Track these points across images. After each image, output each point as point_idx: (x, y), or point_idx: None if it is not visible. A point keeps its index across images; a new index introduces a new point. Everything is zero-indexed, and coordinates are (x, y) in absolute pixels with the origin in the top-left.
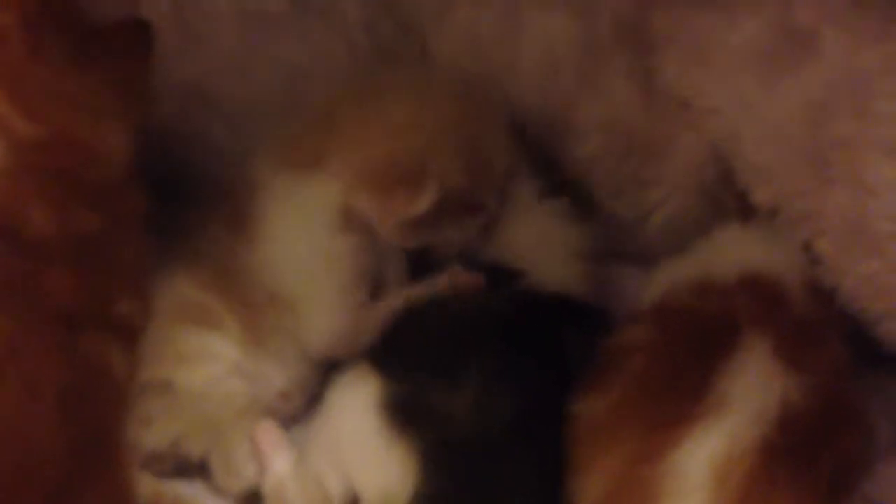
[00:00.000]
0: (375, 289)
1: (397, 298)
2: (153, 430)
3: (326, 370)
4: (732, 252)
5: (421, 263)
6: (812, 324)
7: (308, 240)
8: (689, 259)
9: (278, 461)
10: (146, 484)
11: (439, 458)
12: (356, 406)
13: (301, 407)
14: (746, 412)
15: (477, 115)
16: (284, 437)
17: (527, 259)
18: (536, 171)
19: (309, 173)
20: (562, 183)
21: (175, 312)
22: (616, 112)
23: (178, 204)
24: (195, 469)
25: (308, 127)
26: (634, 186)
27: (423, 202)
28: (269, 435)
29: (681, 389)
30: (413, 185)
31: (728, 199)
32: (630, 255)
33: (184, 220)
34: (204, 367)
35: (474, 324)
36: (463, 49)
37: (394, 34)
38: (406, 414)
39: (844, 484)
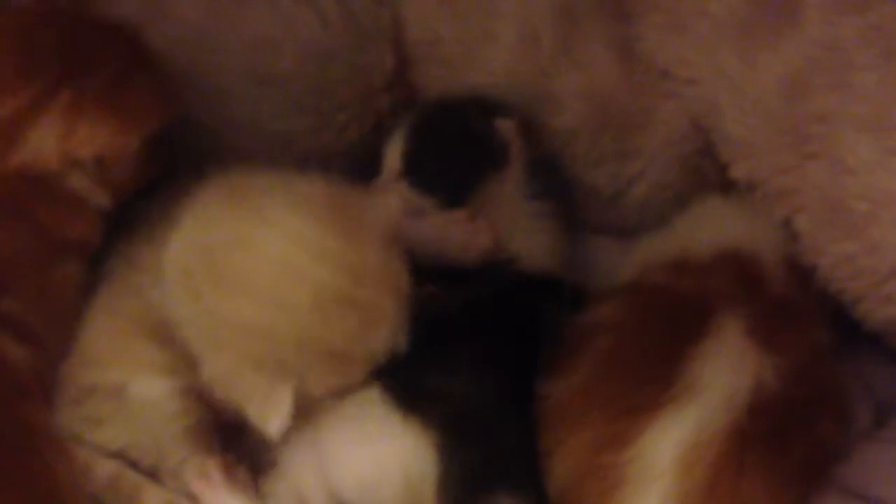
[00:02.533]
0: None
1: None
2: (102, 433)
3: None
4: (709, 228)
5: None
6: (790, 303)
7: None
8: (665, 235)
9: None
10: (106, 466)
11: (456, 431)
12: (356, 405)
13: None
14: (716, 397)
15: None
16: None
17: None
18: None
19: None
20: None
21: (137, 321)
22: (595, 81)
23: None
24: None
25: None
26: (613, 158)
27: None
28: (209, 481)
29: (648, 372)
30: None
31: (710, 172)
32: (610, 229)
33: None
34: (160, 379)
35: (457, 315)
36: (437, 17)
37: (365, 4)
38: (410, 398)
39: (818, 471)
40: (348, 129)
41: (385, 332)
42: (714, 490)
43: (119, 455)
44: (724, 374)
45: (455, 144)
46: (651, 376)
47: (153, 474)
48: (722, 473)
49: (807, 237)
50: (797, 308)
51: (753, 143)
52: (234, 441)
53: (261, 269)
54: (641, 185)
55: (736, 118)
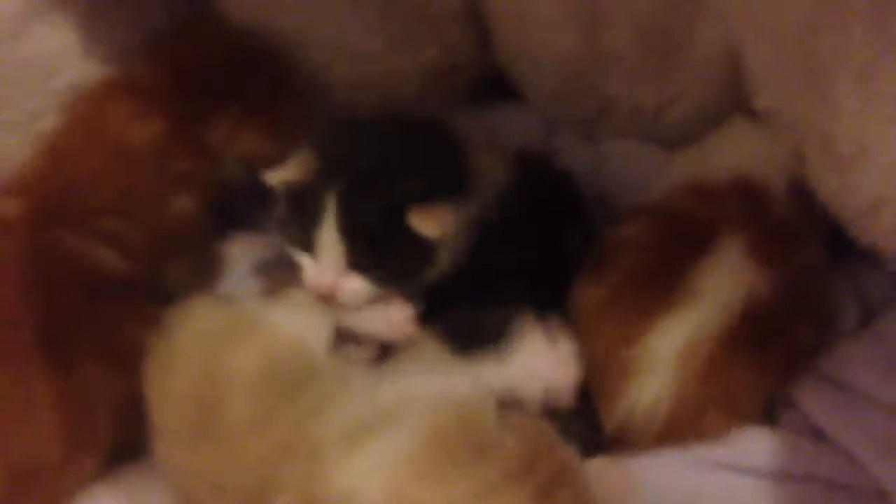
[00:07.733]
0: None
1: None
2: None
3: None
4: (728, 153)
5: None
6: (790, 224)
7: None
8: (691, 155)
9: None
10: None
11: None
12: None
13: None
14: (713, 304)
15: None
16: None
17: None
18: None
19: None
20: None
21: None
22: (642, 3)
23: None
24: None
25: None
26: (656, 76)
27: None
28: None
29: (658, 284)
30: None
31: (747, 94)
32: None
33: None
34: None
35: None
36: None
37: None
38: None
39: (795, 365)
40: (424, 51)
41: None
42: (706, 378)
43: None
44: (723, 286)
45: None
46: (660, 287)
47: None
48: (715, 364)
49: (809, 165)
50: (795, 229)
51: (770, 72)
52: None
53: None
54: (682, 105)
55: (755, 47)
